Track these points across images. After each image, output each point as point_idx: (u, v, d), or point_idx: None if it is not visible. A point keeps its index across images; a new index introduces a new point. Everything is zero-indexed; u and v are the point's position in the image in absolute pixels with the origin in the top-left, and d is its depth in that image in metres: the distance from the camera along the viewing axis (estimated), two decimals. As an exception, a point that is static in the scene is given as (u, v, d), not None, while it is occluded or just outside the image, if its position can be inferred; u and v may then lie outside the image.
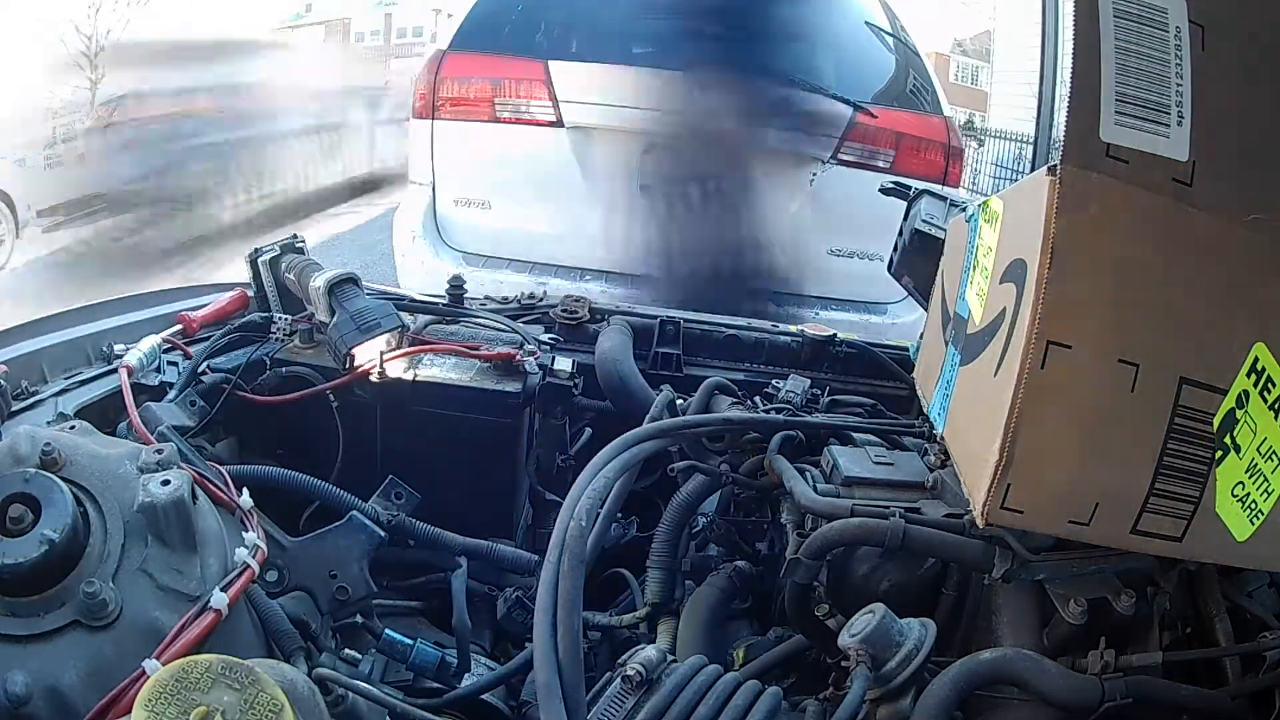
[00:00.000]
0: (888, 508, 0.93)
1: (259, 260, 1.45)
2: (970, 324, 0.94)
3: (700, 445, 1.22)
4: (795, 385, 1.31)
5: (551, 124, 2.82)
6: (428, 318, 1.49)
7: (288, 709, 0.66)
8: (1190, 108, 0.79)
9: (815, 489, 1.01)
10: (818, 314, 2.79)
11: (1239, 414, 0.79)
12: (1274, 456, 0.79)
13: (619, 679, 0.84)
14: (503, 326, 1.49)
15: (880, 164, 2.85)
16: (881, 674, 0.79)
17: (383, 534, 1.11)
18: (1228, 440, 0.80)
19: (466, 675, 1.12)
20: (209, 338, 1.38)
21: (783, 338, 1.67)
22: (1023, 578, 0.87)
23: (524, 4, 2.95)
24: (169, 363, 1.32)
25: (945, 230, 1.25)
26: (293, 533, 1.10)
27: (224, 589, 0.83)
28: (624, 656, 0.86)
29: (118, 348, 1.29)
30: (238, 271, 1.52)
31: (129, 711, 0.63)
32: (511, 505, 1.41)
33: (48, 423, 1.08)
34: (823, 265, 2.88)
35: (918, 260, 1.36)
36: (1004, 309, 0.84)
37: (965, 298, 0.97)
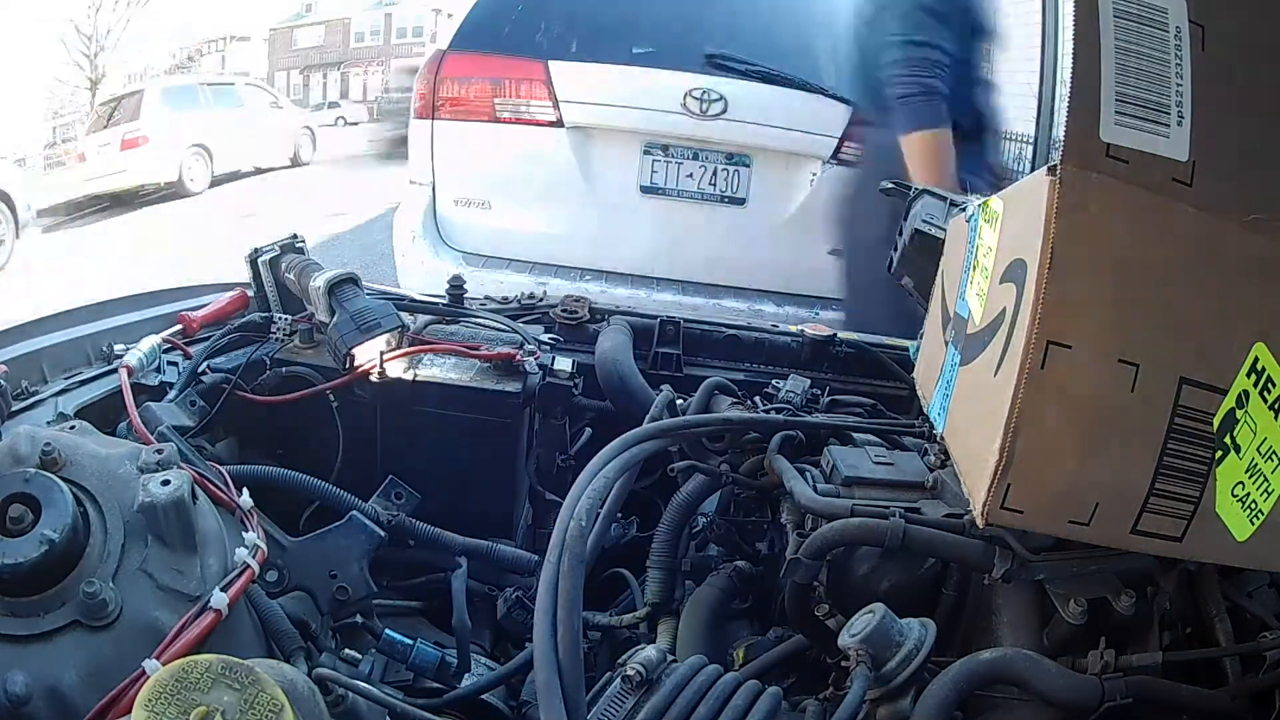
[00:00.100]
0: (888, 508, 0.93)
1: (259, 260, 1.45)
2: (970, 324, 0.94)
3: (700, 445, 1.21)
4: (795, 385, 1.31)
5: (551, 124, 2.82)
6: (428, 318, 1.49)
7: (288, 709, 0.66)
8: (1190, 108, 0.79)
9: (815, 489, 1.01)
10: (818, 314, 2.79)
11: (1239, 414, 0.79)
12: (1274, 456, 0.79)
13: (619, 679, 0.84)
14: (503, 326, 1.49)
15: None
16: (881, 674, 0.79)
17: (383, 534, 1.11)
18: (1228, 440, 0.80)
19: (466, 675, 1.12)
20: (209, 338, 1.38)
21: (783, 338, 1.67)
22: (1023, 578, 0.87)
23: (524, 4, 2.95)
24: (169, 363, 1.32)
25: (945, 230, 1.25)
26: (293, 533, 1.11)
27: (224, 589, 0.83)
28: (624, 656, 0.86)
29: (118, 348, 1.30)
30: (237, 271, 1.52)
31: (129, 711, 0.63)
32: (511, 505, 1.41)
33: (48, 423, 1.08)
34: (823, 265, 2.89)
35: (918, 260, 1.36)
36: (1004, 309, 0.84)
37: (965, 298, 0.98)
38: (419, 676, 1.08)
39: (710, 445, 1.21)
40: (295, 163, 13.10)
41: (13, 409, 1.10)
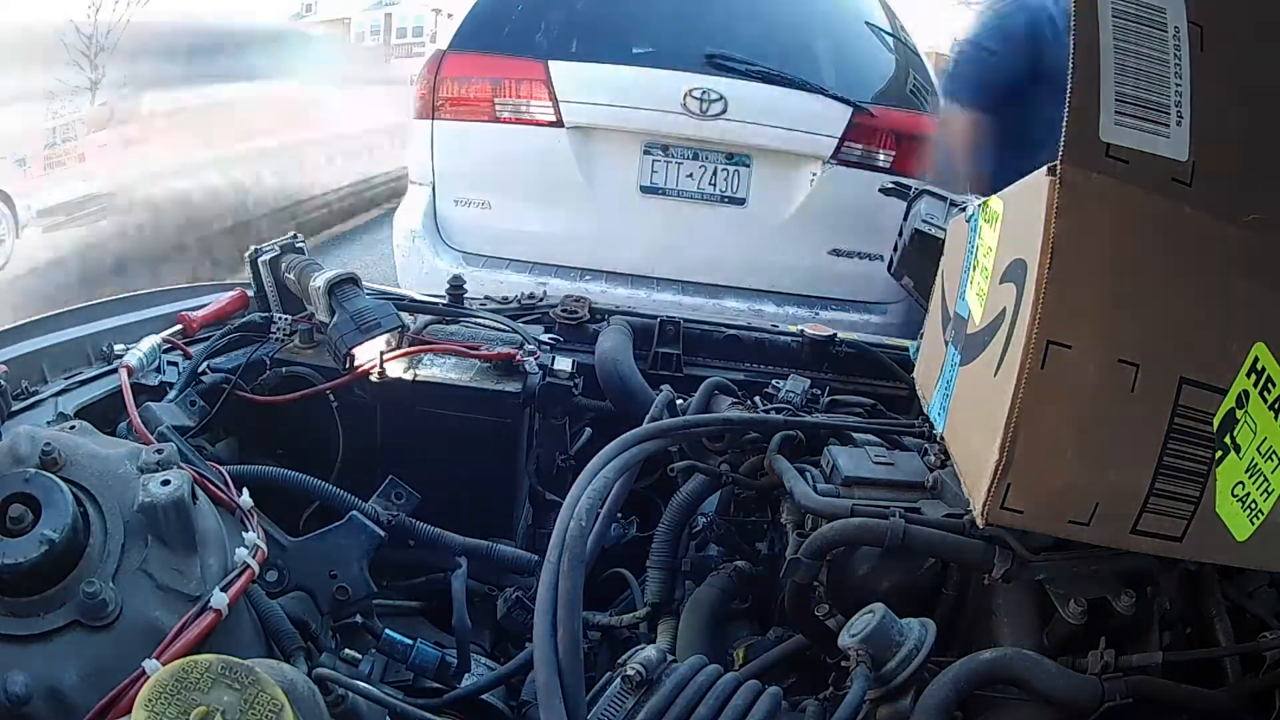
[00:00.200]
0: (888, 508, 0.93)
1: (259, 260, 1.45)
2: (970, 324, 0.94)
3: (700, 445, 1.22)
4: (795, 385, 1.31)
5: (551, 124, 2.82)
6: (428, 318, 1.49)
7: (288, 709, 0.66)
8: (1190, 108, 0.78)
9: (815, 489, 1.01)
10: (818, 314, 2.79)
11: (1239, 414, 0.79)
12: (1274, 456, 0.79)
13: (619, 679, 0.84)
14: (503, 326, 1.49)
15: (880, 164, 2.85)
16: (881, 674, 0.79)
17: (383, 534, 1.10)
18: (1228, 440, 0.80)
19: (466, 675, 1.12)
20: (209, 338, 1.38)
21: (783, 338, 1.67)
22: (1023, 578, 0.87)
23: (524, 4, 2.95)
24: (169, 363, 1.32)
25: (945, 230, 1.25)
26: (293, 533, 1.11)
27: (224, 589, 0.83)
28: (624, 656, 0.86)
29: (118, 348, 1.29)
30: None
31: (129, 711, 0.63)
32: (511, 505, 1.41)
33: (48, 423, 1.08)
34: (823, 265, 2.89)
35: (918, 260, 1.36)
36: (1004, 309, 0.84)
37: (965, 298, 0.98)
38: (419, 676, 1.08)
39: (710, 445, 1.21)
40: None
41: (13, 409, 1.10)
